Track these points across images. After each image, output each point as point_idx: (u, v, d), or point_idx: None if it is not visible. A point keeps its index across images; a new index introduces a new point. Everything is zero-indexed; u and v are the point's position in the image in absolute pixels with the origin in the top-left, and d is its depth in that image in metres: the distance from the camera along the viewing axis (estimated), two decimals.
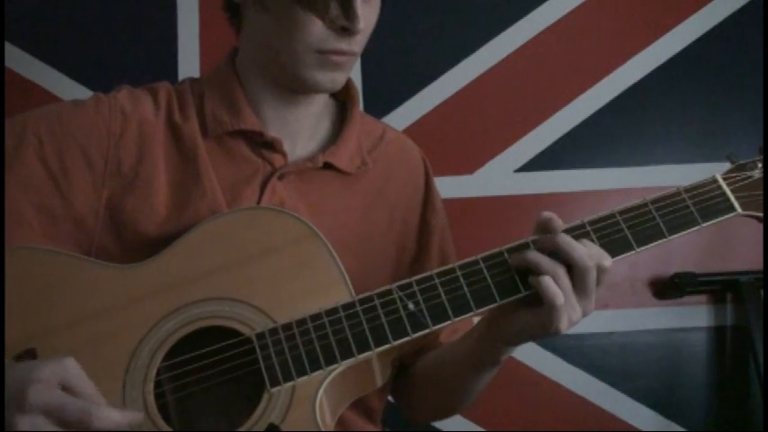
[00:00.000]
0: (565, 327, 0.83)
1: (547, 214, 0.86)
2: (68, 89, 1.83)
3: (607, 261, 0.84)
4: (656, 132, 1.89)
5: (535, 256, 0.84)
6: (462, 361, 0.99)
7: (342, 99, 1.10)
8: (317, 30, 0.92)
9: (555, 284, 0.82)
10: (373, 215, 1.05)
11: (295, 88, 1.00)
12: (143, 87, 1.03)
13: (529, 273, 0.85)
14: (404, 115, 1.88)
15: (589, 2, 1.93)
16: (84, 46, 1.86)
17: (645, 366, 1.83)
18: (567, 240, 0.83)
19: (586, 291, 0.83)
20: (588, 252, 0.83)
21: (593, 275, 0.83)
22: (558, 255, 0.84)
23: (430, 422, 1.20)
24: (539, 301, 0.83)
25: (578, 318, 0.84)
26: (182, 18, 1.88)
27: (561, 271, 0.83)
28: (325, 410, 0.85)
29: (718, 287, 1.83)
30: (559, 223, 0.86)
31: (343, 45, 0.93)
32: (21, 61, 1.83)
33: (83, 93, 1.77)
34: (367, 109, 1.81)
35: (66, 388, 0.74)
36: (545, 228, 0.86)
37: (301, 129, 1.04)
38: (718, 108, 1.90)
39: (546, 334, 0.85)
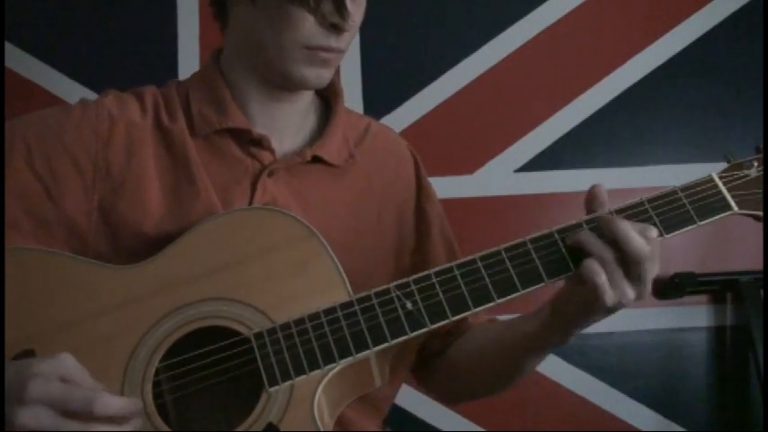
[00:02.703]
0: (612, 301, 0.82)
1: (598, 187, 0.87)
2: (68, 89, 1.83)
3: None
4: (656, 132, 1.90)
5: (587, 236, 0.84)
6: (522, 345, 0.98)
7: (325, 95, 1.10)
8: (307, 26, 0.92)
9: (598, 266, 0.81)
10: (363, 207, 1.05)
11: (282, 84, 1.00)
12: (129, 91, 1.03)
13: (527, 269, 0.85)
14: (404, 115, 1.88)
15: (589, 2, 1.93)
16: (84, 46, 1.87)
17: (645, 366, 1.83)
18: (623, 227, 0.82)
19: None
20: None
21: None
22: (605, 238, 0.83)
23: (470, 400, 1.21)
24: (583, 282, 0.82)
25: (629, 299, 0.82)
26: (182, 18, 1.89)
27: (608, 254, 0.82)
28: (324, 410, 0.85)
29: (717, 287, 1.83)
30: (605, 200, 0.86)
31: (331, 42, 0.94)
32: (21, 61, 1.83)
33: (83, 93, 1.77)
34: (367, 109, 1.83)
35: (64, 380, 0.75)
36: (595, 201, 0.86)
37: (288, 125, 1.04)
38: (718, 108, 1.90)
39: (595, 314, 0.84)
